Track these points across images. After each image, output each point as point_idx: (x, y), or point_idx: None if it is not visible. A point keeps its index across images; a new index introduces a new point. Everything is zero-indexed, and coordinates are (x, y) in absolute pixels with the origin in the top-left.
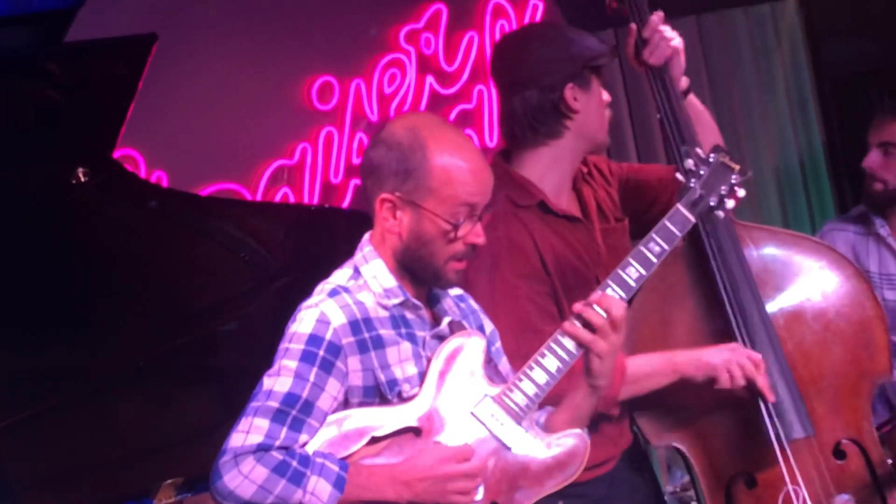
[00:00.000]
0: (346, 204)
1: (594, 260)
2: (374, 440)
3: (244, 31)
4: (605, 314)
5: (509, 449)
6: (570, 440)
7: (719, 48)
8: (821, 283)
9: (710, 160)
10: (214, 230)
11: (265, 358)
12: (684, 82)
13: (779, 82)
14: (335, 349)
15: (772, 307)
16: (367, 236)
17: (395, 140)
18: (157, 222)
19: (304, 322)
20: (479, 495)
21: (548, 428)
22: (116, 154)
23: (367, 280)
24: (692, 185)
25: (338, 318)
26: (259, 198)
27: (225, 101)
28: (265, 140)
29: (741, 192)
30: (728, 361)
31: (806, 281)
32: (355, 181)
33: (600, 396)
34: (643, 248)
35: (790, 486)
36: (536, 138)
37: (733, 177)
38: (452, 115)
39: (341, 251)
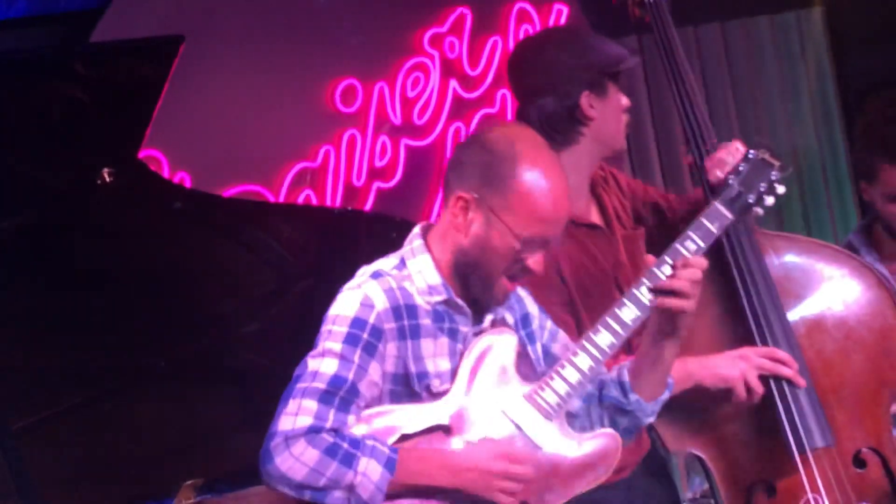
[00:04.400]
0: (368, 207)
1: (613, 266)
2: (404, 437)
3: (268, 34)
4: (688, 279)
5: (540, 448)
6: (601, 440)
7: (744, 55)
8: (842, 292)
9: (750, 156)
10: (237, 232)
11: (287, 360)
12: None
13: (803, 90)
14: (378, 333)
15: (793, 315)
16: (417, 228)
17: (491, 143)
18: (180, 223)
19: (347, 304)
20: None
21: (636, 386)
22: (140, 155)
23: (411, 273)
24: (731, 181)
25: (381, 302)
26: (281, 200)
27: (248, 102)
28: (288, 142)
29: (781, 189)
30: (744, 372)
31: (827, 289)
32: (378, 184)
33: None
34: (679, 246)
35: (810, 495)
36: (552, 145)
37: (773, 173)
38: (475, 120)
39: (363, 254)
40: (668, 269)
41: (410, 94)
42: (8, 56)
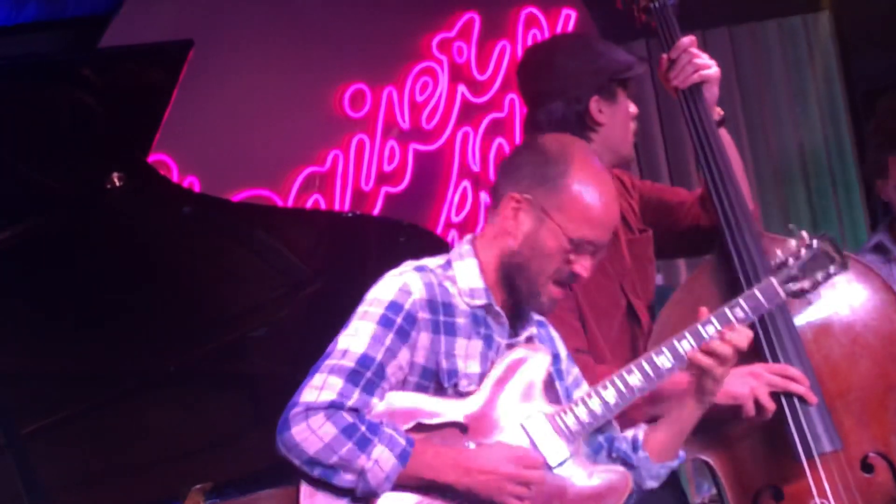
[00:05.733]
0: (376, 211)
1: (619, 271)
2: (420, 427)
3: (278, 39)
4: (731, 346)
5: (550, 468)
6: (612, 475)
7: (752, 60)
8: (848, 297)
9: (814, 246)
10: (245, 236)
11: (295, 364)
12: (717, 113)
13: (810, 94)
14: (412, 319)
15: (799, 320)
16: (469, 236)
17: (543, 146)
18: (189, 228)
19: (386, 288)
20: None
21: (648, 445)
22: (149, 159)
23: (456, 274)
24: (790, 264)
25: (419, 291)
26: (290, 204)
27: (257, 107)
28: (297, 147)
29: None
30: (754, 389)
31: (833, 294)
32: (386, 188)
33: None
34: (727, 311)
35: (818, 500)
36: None
37: (832, 267)
38: (484, 124)
39: (372, 258)
40: (711, 330)
41: (419, 98)
42: (17, 61)
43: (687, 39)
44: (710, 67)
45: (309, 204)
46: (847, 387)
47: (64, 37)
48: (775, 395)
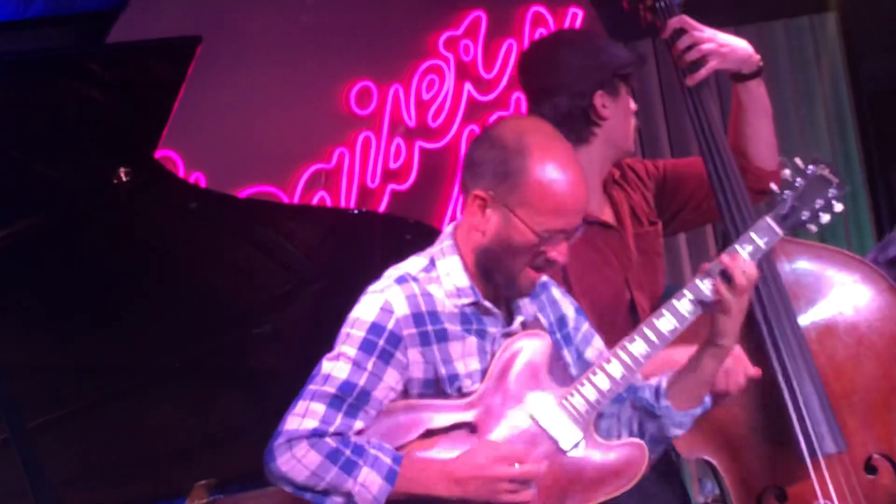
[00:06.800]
0: (382, 208)
1: (624, 265)
2: (429, 433)
3: (285, 36)
4: (744, 275)
5: (564, 453)
6: (627, 449)
7: None
8: (853, 297)
9: (808, 172)
10: (251, 233)
11: (300, 361)
12: (755, 62)
13: (817, 95)
14: (395, 339)
15: (804, 321)
16: (450, 228)
17: (501, 139)
18: (195, 224)
19: (367, 308)
20: (531, 497)
21: (671, 393)
22: (155, 155)
23: (440, 275)
24: (785, 196)
25: (401, 308)
26: (296, 201)
27: (264, 104)
28: (303, 143)
29: (839, 207)
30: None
31: (838, 295)
32: (392, 186)
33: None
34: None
35: (822, 501)
36: None
37: (831, 190)
38: (490, 122)
39: (377, 255)
40: (709, 283)
41: (425, 96)
42: (25, 56)
43: (676, 20)
44: (709, 42)
45: (315, 201)
46: (851, 388)
47: (71, 32)
48: (779, 396)
